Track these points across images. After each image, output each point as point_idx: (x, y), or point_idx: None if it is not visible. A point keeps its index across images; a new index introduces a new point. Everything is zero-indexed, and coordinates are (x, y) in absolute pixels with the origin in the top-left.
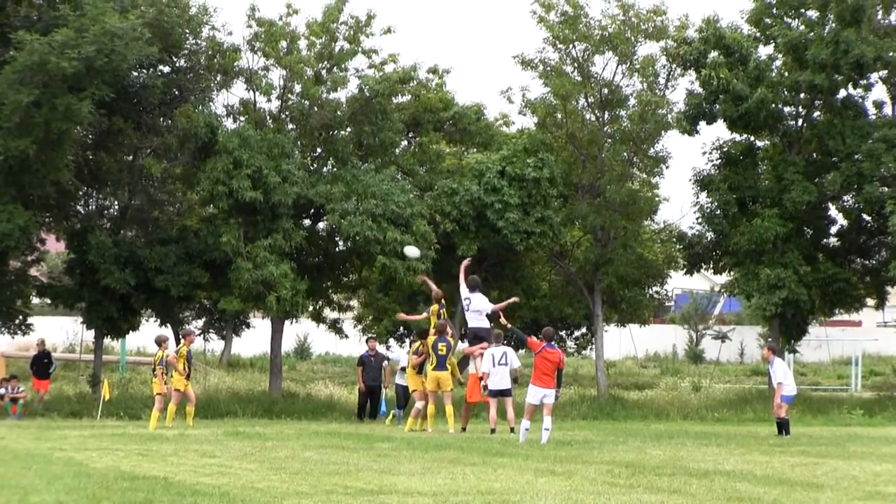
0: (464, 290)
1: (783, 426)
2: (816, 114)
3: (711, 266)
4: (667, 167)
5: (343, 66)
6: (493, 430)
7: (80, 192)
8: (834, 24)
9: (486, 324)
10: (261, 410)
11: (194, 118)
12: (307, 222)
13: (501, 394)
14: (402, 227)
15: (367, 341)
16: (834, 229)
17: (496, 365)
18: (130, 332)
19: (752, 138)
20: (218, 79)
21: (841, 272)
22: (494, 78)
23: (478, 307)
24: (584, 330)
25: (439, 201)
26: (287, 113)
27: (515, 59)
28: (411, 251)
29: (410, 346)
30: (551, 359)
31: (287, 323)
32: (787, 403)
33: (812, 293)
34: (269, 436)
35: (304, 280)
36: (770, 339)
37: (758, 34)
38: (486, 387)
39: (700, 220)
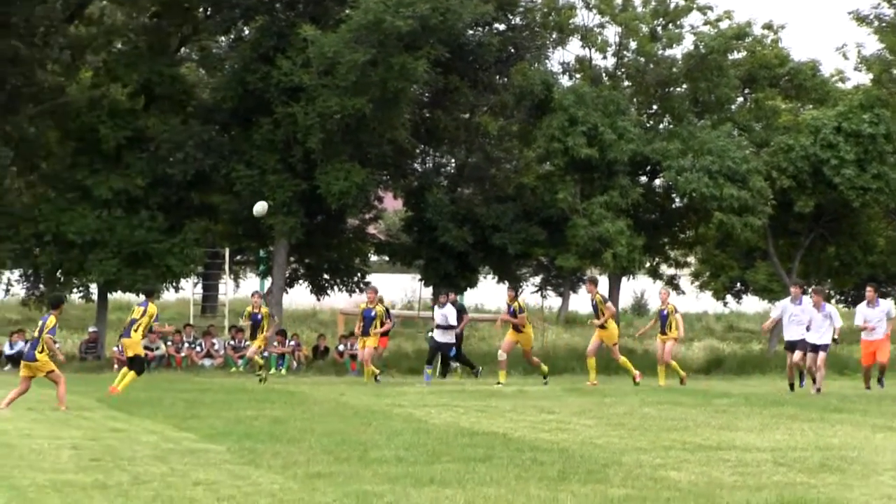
0: None
1: None
2: None
3: None
4: None
5: (678, 22)
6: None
7: (417, 151)
8: None
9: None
10: (598, 366)
11: (530, 76)
12: (643, 179)
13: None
14: (738, 183)
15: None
16: None
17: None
18: (468, 289)
19: None
20: (553, 36)
21: None
22: (829, 34)
23: None
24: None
25: (775, 157)
26: (622, 70)
27: (850, 15)
28: (259, 208)
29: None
30: None
31: (624, 279)
32: None
33: None
34: (607, 392)
35: (641, 236)
36: None
37: None
38: None
39: None
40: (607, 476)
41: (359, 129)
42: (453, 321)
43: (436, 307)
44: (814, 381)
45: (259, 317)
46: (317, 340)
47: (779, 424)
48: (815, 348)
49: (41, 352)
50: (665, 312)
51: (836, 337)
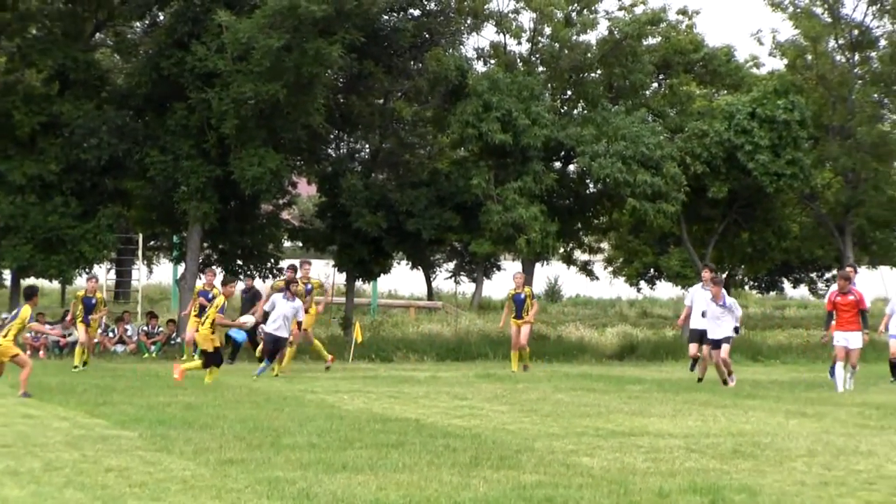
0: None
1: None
2: None
3: None
4: None
5: (593, 7)
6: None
7: (332, 136)
8: None
9: None
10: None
11: (444, 61)
12: (557, 165)
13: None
14: (652, 169)
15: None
16: None
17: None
18: (382, 274)
19: None
20: (468, 21)
21: None
22: (744, 20)
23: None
24: (834, 272)
25: (689, 143)
26: (537, 55)
27: (765, 0)
28: None
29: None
30: None
31: (538, 265)
32: None
33: None
34: (520, 378)
35: (555, 222)
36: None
37: None
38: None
39: None
40: (520, 462)
41: (273, 114)
42: (301, 316)
43: (280, 296)
44: (720, 374)
45: (93, 301)
46: None
47: (692, 411)
48: (717, 343)
49: None
50: (522, 296)
51: (738, 325)
